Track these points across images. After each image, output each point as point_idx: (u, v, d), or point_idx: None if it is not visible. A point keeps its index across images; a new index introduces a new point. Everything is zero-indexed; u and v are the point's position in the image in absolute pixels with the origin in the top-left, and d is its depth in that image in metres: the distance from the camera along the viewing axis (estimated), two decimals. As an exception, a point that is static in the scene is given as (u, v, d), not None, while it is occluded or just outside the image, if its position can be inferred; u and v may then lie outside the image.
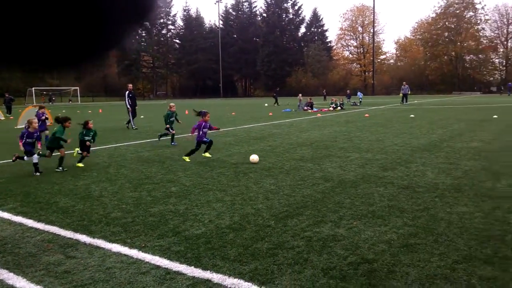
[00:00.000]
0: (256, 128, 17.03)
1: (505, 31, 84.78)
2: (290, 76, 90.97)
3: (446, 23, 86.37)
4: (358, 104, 36.04)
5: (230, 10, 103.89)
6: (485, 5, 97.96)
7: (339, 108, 29.88)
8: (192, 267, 3.69)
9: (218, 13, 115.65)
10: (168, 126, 11.99)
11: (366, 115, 22.97)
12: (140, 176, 7.74)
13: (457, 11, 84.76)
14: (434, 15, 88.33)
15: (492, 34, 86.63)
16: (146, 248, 4.16)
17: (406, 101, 36.02)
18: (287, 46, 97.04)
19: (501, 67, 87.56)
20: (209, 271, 3.60)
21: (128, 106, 17.86)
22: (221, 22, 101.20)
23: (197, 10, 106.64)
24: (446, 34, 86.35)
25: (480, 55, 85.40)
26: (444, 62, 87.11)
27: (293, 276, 3.46)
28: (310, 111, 28.84)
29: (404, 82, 39.08)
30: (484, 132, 13.42)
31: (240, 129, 16.97)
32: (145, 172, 8.11)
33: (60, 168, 8.44)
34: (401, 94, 37.13)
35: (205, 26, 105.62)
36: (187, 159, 9.28)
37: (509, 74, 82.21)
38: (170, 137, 12.24)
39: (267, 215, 5.18)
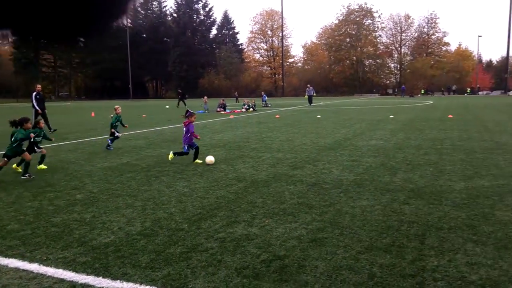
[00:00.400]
0: (168, 131, 16.71)
1: (398, 38, 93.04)
2: (202, 77, 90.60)
3: (348, 29, 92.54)
4: (270, 105, 37.04)
5: (139, 9, 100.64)
6: (381, 13, 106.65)
7: (251, 109, 30.44)
8: (101, 277, 3.50)
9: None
10: (113, 130, 11.31)
11: (277, 116, 23.69)
12: (40, 184, 7.16)
13: (357, 19, 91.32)
14: (337, 21, 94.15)
15: (388, 40, 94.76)
16: (48, 261, 3.86)
17: (311, 103, 37.84)
18: (199, 48, 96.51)
19: (396, 71, 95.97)
20: (119, 280, 3.45)
21: (37, 108, 16.42)
22: (129, 20, 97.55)
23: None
24: (348, 40, 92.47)
25: (377, 60, 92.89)
26: (347, 66, 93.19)
27: (207, 279, 3.44)
28: (223, 112, 28.99)
29: (308, 85, 40.95)
30: (382, 131, 14.57)
31: (152, 131, 16.52)
32: (47, 180, 7.52)
33: (27, 175, 7.59)
34: (306, 96, 38.90)
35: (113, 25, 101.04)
36: (199, 161, 8.90)
37: (403, 77, 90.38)
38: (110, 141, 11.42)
39: (180, 218, 5.10)
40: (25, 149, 7.92)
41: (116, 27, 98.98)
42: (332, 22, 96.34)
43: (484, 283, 3.29)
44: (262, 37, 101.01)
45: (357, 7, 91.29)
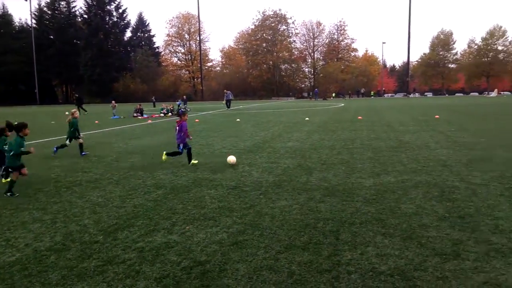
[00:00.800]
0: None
1: (311, 44, 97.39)
2: (117, 81, 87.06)
3: (264, 34, 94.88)
4: (189, 109, 36.60)
5: (45, 9, 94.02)
6: (295, 20, 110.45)
7: (169, 114, 29.85)
8: (4, 300, 3.20)
9: (30, 10, 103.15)
10: (70, 137, 11.14)
11: (196, 120, 23.51)
12: None
13: (273, 24, 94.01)
14: (253, 26, 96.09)
15: (302, 46, 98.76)
16: None
17: (230, 107, 38.30)
18: (113, 50, 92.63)
19: (310, 75, 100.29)
20: (25, 302, 3.17)
21: None
22: (34, 21, 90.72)
23: (3, 6, 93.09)
24: (264, 44, 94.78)
25: (293, 65, 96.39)
26: (264, 70, 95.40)
27: (124, 291, 3.30)
28: (140, 117, 28.08)
29: (225, 90, 42.40)
30: (298, 132, 15.11)
31: (63, 139, 15.46)
32: None
33: (9, 193, 6.65)
34: (224, 100, 39.57)
35: (15, 25, 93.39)
36: (195, 162, 9.04)
37: (317, 81, 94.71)
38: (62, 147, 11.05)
39: (94, 230, 4.83)
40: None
41: (19, 27, 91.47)
42: (249, 27, 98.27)
43: (393, 272, 3.54)
44: (179, 41, 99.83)
45: (272, 13, 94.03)
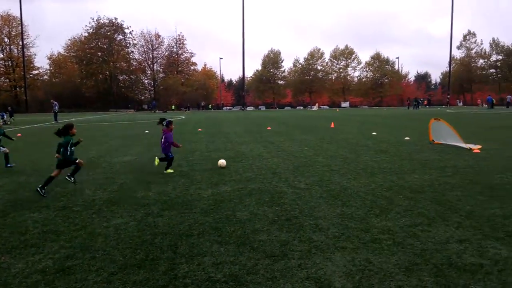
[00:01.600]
0: None
1: (150, 55, 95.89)
2: None
3: (99, 43, 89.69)
4: (9, 122, 32.22)
5: None
6: (132, 30, 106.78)
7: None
8: None
9: None
10: None
11: (19, 134, 20.80)
12: None
13: (108, 33, 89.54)
14: (86, 34, 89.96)
15: (141, 57, 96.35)
16: None
17: (57, 119, 35.77)
18: None
19: (150, 87, 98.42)
20: None
21: None
22: None
23: None
24: (99, 53, 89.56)
25: (132, 76, 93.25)
26: (100, 80, 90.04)
27: None
28: None
29: (52, 100, 41.77)
30: (138, 146, 14.63)
31: None
32: None
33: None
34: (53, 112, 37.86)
35: None
36: (170, 171, 9.11)
37: (157, 93, 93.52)
38: None
39: None
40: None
41: None
42: (81, 34, 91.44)
43: (228, 279, 3.67)
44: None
45: (108, 21, 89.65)
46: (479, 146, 12.46)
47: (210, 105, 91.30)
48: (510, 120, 28.24)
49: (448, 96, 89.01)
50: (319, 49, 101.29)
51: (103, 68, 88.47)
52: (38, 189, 7.01)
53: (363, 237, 4.71)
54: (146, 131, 21.57)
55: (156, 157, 9.52)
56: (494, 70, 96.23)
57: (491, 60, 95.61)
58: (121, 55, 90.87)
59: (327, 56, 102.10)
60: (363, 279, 3.62)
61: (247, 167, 9.67)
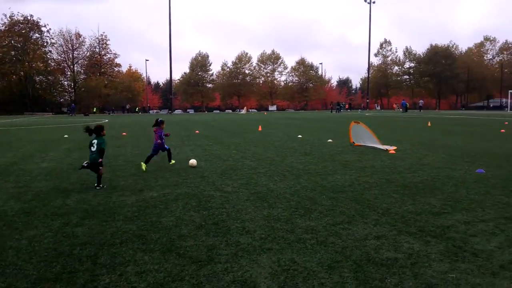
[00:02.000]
0: None
1: (70, 55, 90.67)
2: None
3: (12, 41, 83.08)
4: None
5: None
6: (50, 28, 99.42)
7: None
8: None
9: None
10: None
11: None
12: None
13: (23, 31, 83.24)
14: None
15: (60, 57, 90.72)
16: None
17: None
18: None
19: (70, 89, 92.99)
20: None
21: None
22: None
23: None
24: (13, 52, 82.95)
25: (49, 77, 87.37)
26: (14, 81, 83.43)
27: None
28: None
29: None
30: (55, 151, 13.75)
31: None
32: None
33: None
34: None
35: None
36: (144, 166, 9.65)
37: (78, 95, 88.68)
38: None
39: None
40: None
41: None
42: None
43: (152, 287, 3.55)
44: None
45: (22, 18, 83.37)
46: (395, 147, 13.36)
47: (137, 108, 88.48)
48: (422, 122, 30.64)
49: (367, 101, 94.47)
50: (247, 53, 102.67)
51: (17, 69, 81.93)
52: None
53: (288, 237, 4.82)
54: (66, 136, 20.36)
55: (142, 162, 9.91)
56: (407, 77, 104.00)
57: (405, 67, 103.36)
58: (38, 55, 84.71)
59: (254, 61, 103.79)
60: (288, 279, 3.70)
61: (174, 172, 9.49)
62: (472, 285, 3.57)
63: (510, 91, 69.13)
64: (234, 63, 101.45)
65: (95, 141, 7.72)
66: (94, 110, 77.36)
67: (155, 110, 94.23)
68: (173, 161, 10.43)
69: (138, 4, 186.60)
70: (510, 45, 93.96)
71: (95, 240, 4.80)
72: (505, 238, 4.77)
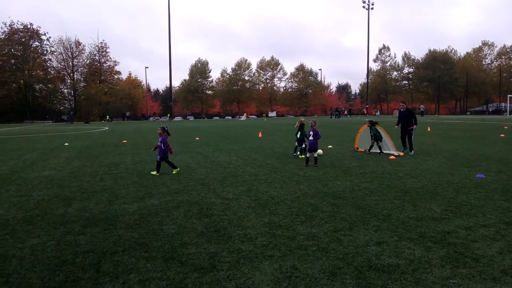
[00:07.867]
0: None
1: (70, 63, 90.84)
2: None
3: (12, 50, 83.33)
4: None
5: None
6: (50, 36, 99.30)
7: None
8: None
9: None
10: None
11: None
12: None
13: (23, 39, 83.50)
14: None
15: (59, 65, 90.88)
16: None
17: None
18: None
19: (70, 97, 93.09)
20: None
21: None
22: None
23: None
24: (13, 61, 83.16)
25: (49, 85, 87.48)
26: (13, 90, 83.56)
27: None
28: None
29: None
30: (56, 159, 13.78)
31: None
32: None
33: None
34: None
35: None
36: (153, 172, 10.29)
37: (78, 103, 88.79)
38: None
39: None
40: None
41: None
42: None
43: (155, 295, 3.57)
44: None
45: (22, 26, 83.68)
46: (402, 153, 13.39)
47: (141, 115, 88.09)
48: (423, 128, 30.68)
49: (367, 106, 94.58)
50: (246, 60, 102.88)
51: (17, 77, 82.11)
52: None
53: (289, 244, 4.84)
54: (66, 144, 20.39)
55: (153, 171, 10.44)
56: (406, 82, 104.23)
57: (404, 73, 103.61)
58: (38, 63, 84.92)
59: (254, 67, 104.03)
60: (290, 285, 3.72)
61: (175, 179, 9.52)
62: (474, 290, 3.58)
63: (509, 95, 69.31)
64: (233, 70, 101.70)
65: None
66: (107, 118, 76.89)
67: (155, 117, 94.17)
68: (158, 174, 10.19)
69: (138, 11, 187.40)
70: (508, 50, 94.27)
71: (98, 248, 4.82)
72: (506, 243, 4.79)
